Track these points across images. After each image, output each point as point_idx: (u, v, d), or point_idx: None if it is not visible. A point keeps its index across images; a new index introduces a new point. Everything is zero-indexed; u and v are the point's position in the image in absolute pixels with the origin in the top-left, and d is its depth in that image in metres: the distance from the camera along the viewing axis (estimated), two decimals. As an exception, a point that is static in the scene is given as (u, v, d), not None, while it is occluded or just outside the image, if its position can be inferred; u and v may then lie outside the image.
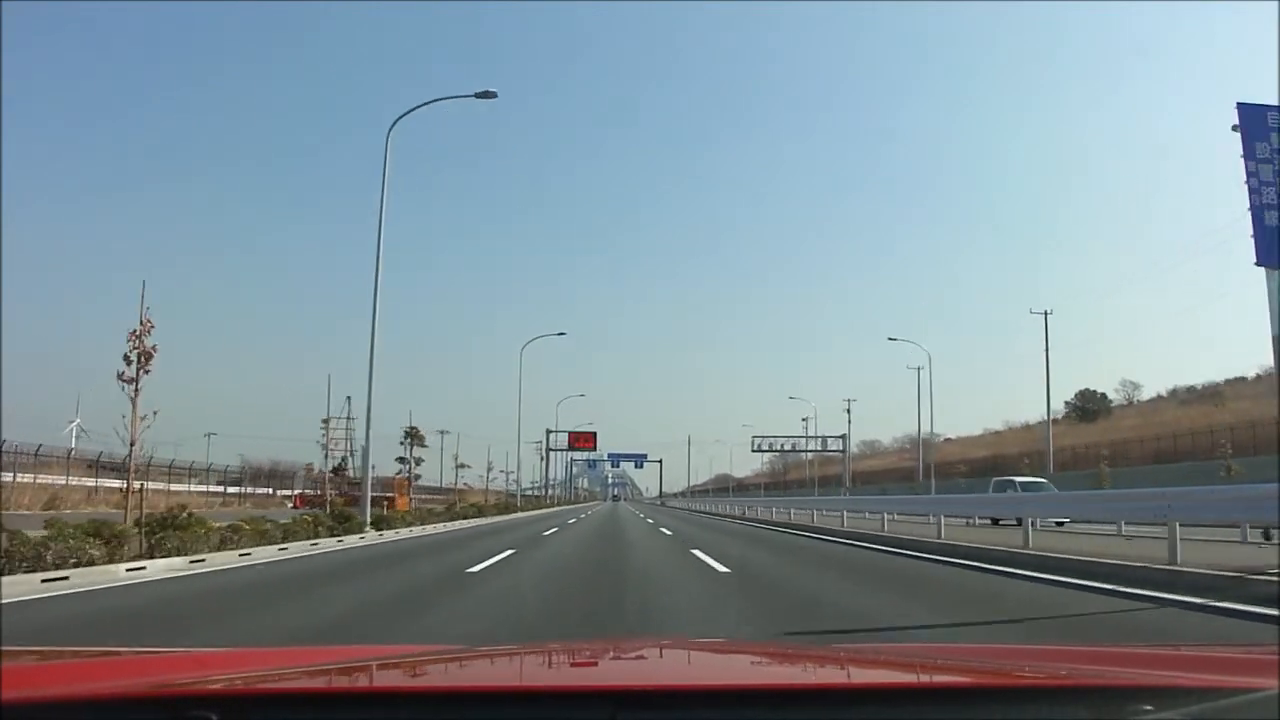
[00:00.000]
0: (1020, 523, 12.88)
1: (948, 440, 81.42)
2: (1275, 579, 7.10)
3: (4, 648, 1.88)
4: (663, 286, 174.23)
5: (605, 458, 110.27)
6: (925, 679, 1.58)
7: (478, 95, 21.43)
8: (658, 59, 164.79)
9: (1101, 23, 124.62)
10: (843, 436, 70.14)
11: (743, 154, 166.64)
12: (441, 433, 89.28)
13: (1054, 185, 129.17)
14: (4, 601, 6.34)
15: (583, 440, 76.42)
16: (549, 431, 73.08)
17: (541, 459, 79.71)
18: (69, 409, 58.52)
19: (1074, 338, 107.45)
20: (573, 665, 1.86)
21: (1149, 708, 1.14)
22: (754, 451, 70.79)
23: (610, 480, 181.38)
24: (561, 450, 76.28)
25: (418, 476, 43.42)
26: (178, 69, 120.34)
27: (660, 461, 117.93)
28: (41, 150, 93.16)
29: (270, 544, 12.55)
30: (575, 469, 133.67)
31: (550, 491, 79.73)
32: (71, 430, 54.18)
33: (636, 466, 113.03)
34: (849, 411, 72.73)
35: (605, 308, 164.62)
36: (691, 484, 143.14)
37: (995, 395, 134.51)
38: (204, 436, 70.08)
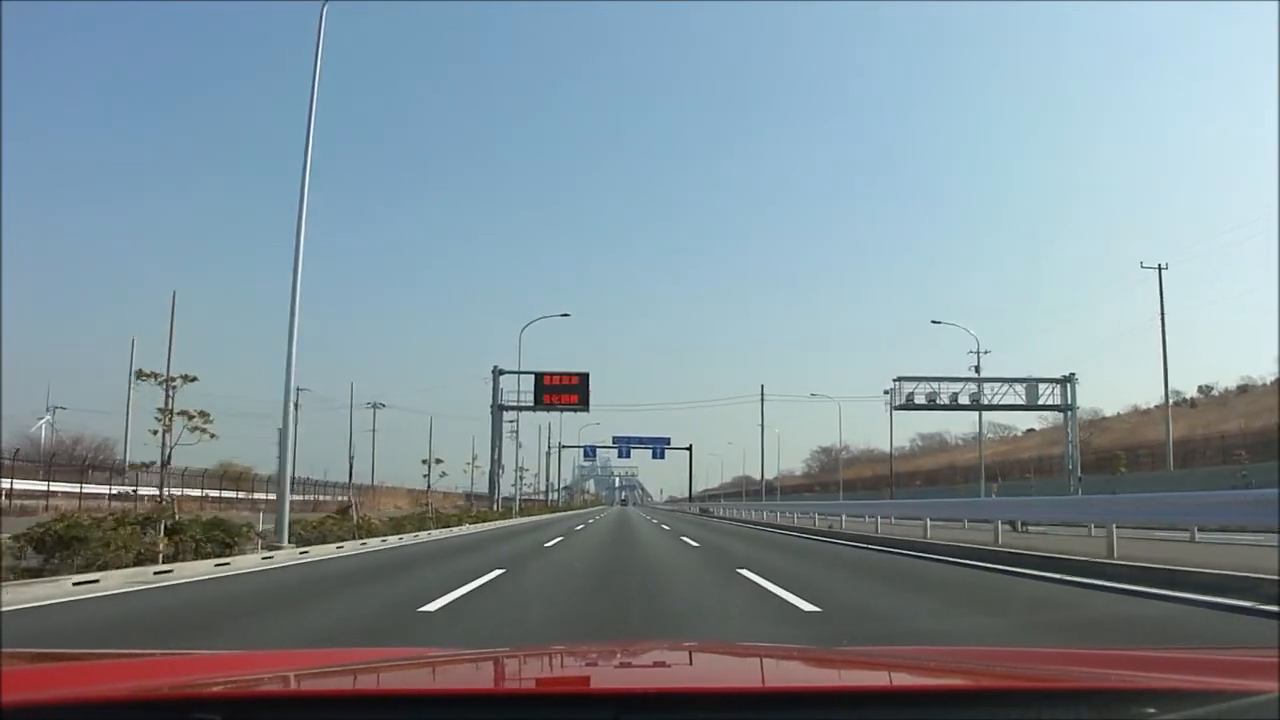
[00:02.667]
0: None
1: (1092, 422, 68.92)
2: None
3: (6, 650, 2.09)
4: (667, 290, 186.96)
5: (610, 442, 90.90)
6: (928, 681, 1.67)
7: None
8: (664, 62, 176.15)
9: (1112, 24, 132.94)
10: (1066, 379, 45.46)
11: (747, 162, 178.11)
12: (373, 405, 68.53)
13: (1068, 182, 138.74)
14: None
15: (559, 388, 50.18)
16: (497, 373, 49.00)
17: (510, 434, 55.54)
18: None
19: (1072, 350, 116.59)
20: (576, 668, 1.98)
21: (1151, 710, 1.22)
22: (897, 408, 46.69)
23: (618, 483, 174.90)
24: (527, 409, 51.26)
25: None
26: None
27: (690, 448, 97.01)
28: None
29: None
30: (575, 467, 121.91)
31: (516, 487, 56.95)
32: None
33: (655, 455, 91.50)
34: (979, 367, 50.62)
35: (612, 308, 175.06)
36: (706, 488, 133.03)
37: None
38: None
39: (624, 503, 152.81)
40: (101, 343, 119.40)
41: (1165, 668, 1.76)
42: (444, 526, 27.23)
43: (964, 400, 45.83)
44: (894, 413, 47.41)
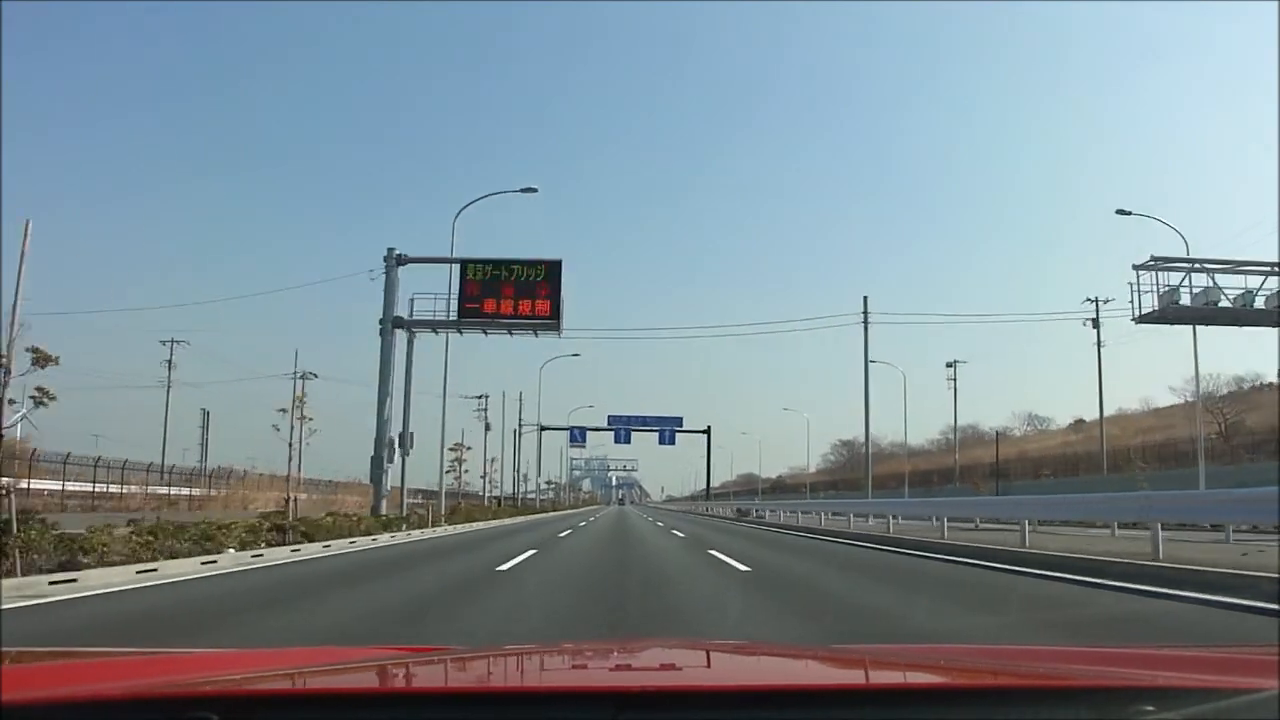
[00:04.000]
0: None
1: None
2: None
3: (5, 648, 1.96)
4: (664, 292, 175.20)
5: (605, 424, 74.75)
6: (927, 679, 1.69)
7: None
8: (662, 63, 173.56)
9: (1113, 24, 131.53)
10: None
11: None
12: (300, 375, 51.67)
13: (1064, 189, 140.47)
14: None
15: (508, 286, 27.57)
16: (395, 261, 27.94)
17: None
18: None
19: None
20: (576, 666, 1.97)
21: (1150, 708, 1.23)
22: (1144, 318, 28.40)
23: (614, 480, 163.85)
24: (448, 327, 28.72)
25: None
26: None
27: (708, 430, 79.39)
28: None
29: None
30: (564, 459, 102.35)
31: (449, 476, 36.43)
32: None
33: (663, 441, 75.46)
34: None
35: (608, 307, 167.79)
36: (701, 486, 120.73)
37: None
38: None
39: (621, 502, 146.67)
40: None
41: (1164, 665, 1.80)
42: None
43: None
44: (1137, 327, 28.52)
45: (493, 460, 59.19)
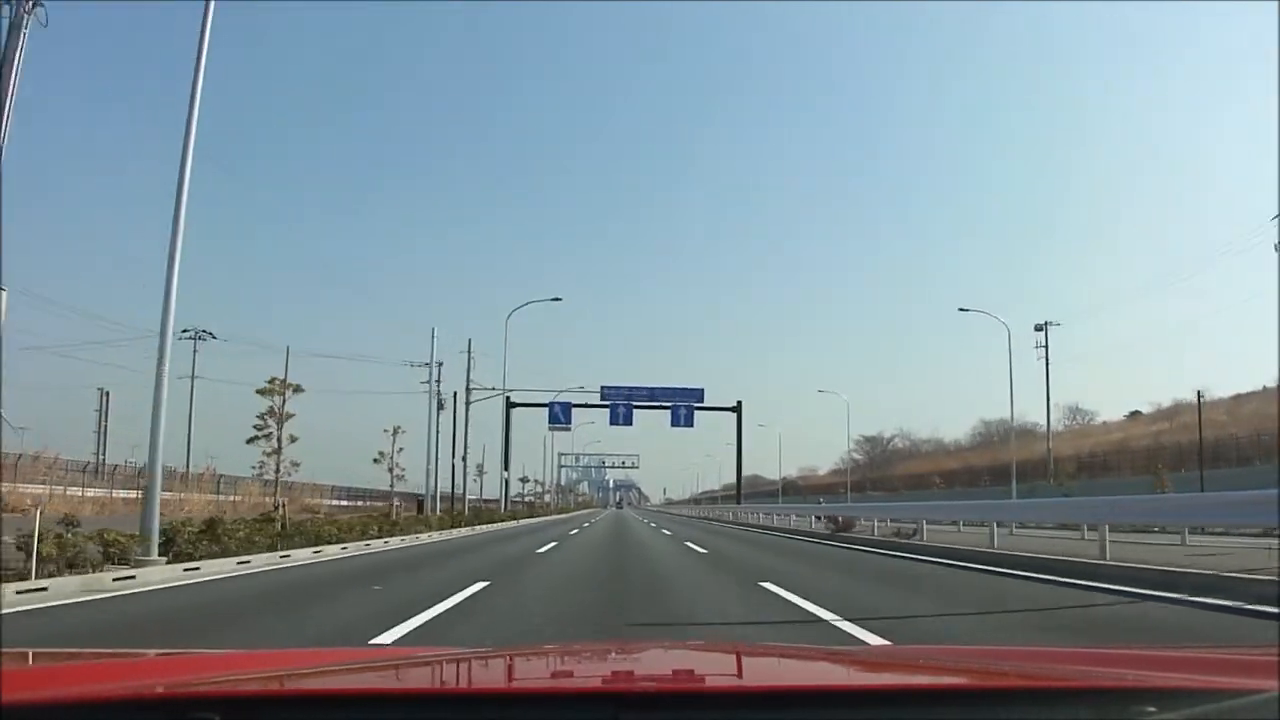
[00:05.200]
0: None
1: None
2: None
3: (6, 649, 1.97)
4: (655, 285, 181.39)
5: (600, 398, 56.75)
6: (927, 680, 1.70)
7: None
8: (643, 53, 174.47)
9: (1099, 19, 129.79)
10: None
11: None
12: (193, 335, 54.62)
13: (1052, 188, 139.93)
14: None
15: None
16: None
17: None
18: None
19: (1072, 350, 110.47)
20: (575, 667, 1.98)
21: (1151, 709, 1.24)
22: None
23: (612, 483, 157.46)
24: None
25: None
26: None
27: (739, 407, 62.07)
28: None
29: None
30: (551, 452, 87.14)
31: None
32: None
33: (676, 422, 56.00)
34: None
35: (594, 303, 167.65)
36: (705, 489, 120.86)
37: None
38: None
39: (619, 505, 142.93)
40: None
41: (1165, 666, 1.81)
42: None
43: None
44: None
45: (401, 446, 42.48)
